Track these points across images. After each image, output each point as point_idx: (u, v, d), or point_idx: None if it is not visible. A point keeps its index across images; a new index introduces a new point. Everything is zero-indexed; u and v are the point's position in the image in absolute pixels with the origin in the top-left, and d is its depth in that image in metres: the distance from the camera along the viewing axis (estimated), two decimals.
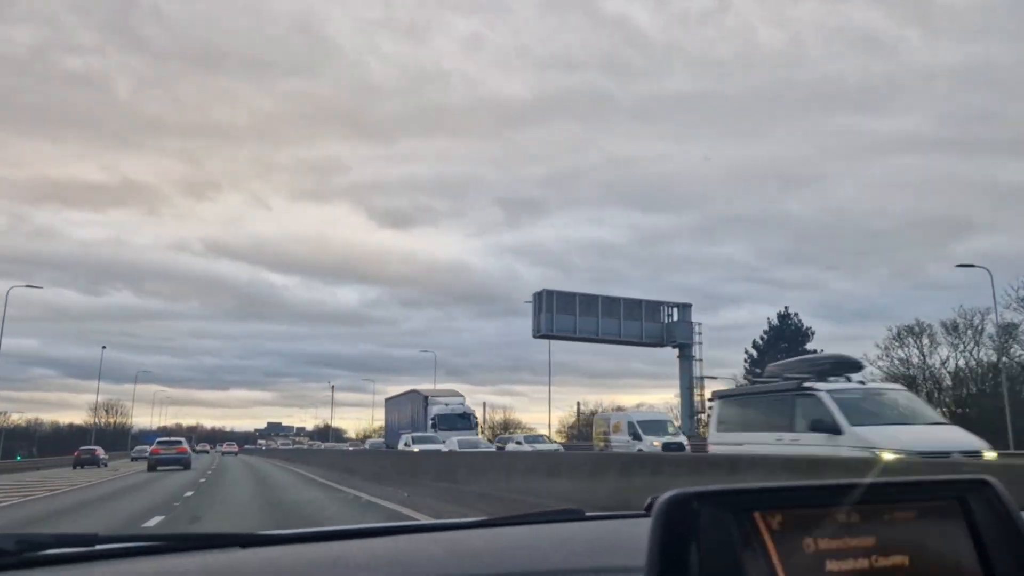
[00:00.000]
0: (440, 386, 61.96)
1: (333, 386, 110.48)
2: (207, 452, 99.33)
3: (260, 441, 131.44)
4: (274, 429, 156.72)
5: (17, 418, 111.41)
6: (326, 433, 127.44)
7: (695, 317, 50.49)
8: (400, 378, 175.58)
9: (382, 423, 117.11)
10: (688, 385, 48.84)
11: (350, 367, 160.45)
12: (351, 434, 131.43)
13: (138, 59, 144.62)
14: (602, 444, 34.06)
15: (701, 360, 50.03)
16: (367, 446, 60.18)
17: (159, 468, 37.73)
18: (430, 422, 44.51)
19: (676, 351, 49.95)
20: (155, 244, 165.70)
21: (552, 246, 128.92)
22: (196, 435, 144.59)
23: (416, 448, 34.12)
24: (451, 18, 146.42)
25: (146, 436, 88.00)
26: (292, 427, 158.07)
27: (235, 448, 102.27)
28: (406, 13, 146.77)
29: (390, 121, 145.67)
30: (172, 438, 46.32)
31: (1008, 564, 0.93)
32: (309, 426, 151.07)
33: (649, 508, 0.88)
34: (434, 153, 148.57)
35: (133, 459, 62.97)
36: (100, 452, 54.56)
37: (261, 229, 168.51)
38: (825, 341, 78.68)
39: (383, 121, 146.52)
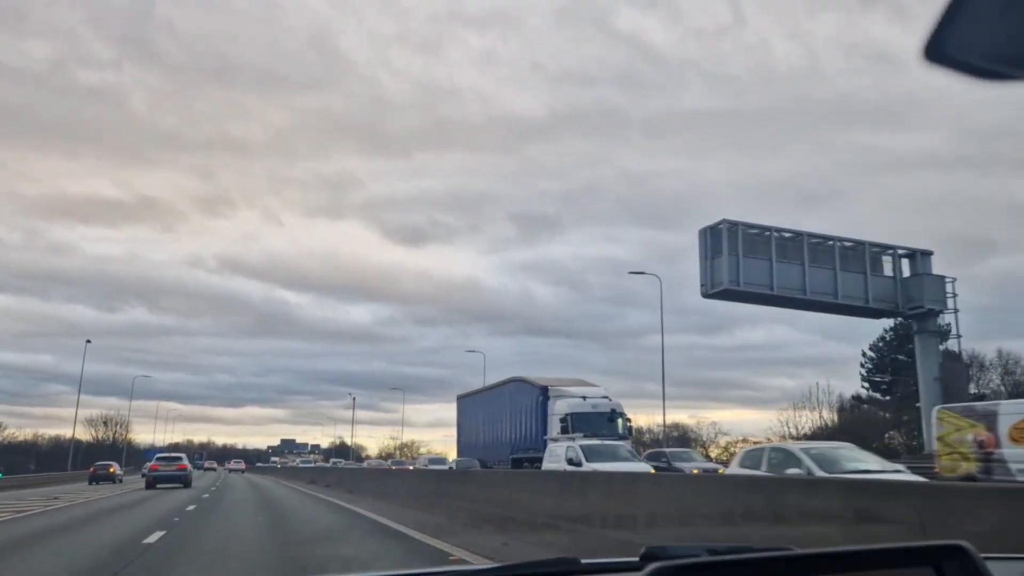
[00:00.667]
0: (453, 405, 48.97)
1: (355, 398, 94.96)
2: (214, 469, 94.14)
3: (275, 459, 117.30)
4: (288, 446, 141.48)
5: (15, 432, 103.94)
6: (343, 451, 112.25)
7: None
8: (414, 396, 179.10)
9: (403, 440, 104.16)
10: (938, 374, 31.56)
11: (363, 385, 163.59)
12: (371, 452, 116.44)
13: (153, 73, 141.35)
14: (969, 466, 17.14)
15: (960, 336, 32.90)
16: (424, 464, 43.26)
17: (159, 486, 36.13)
18: (557, 425, 27.87)
19: (913, 323, 32.95)
20: (170, 260, 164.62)
21: (567, 263, 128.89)
22: (208, 452, 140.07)
23: (600, 467, 17.26)
24: (464, 33, 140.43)
25: (154, 452, 79.31)
26: (306, 444, 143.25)
27: (242, 466, 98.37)
28: (419, 27, 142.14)
29: (404, 136, 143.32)
30: (172, 454, 44.04)
31: None
32: (324, 443, 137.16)
33: (644, 557, 0.92)
34: (448, 169, 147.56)
35: (144, 475, 58.94)
36: (116, 468, 54.78)
37: (275, 246, 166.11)
38: (849, 362, 75.79)
39: (397, 136, 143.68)
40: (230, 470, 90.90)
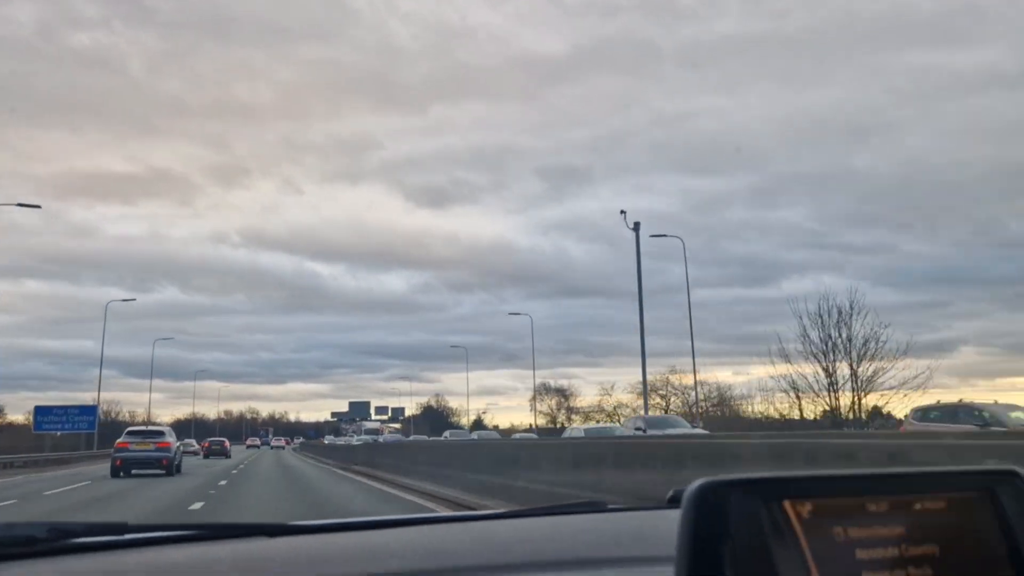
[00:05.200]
0: (495, 372, 31.09)
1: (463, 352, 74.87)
2: (256, 447, 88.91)
3: (371, 426, 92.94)
4: (358, 411, 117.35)
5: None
6: (433, 417, 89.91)
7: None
8: (457, 365, 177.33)
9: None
10: None
11: (403, 356, 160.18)
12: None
13: (147, 33, 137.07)
14: None
15: None
16: None
17: (134, 472, 27.52)
18: None
19: None
20: (193, 237, 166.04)
21: (599, 220, 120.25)
22: (256, 427, 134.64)
23: None
24: None
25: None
26: (386, 407, 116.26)
27: (283, 442, 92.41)
28: None
29: (419, 87, 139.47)
30: (150, 427, 35.15)
31: None
32: (410, 408, 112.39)
33: (671, 500, 0.90)
34: (467, 121, 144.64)
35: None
36: (227, 443, 61.00)
37: (297, 216, 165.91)
38: (897, 311, 77.91)
39: (411, 87, 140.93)
40: (272, 447, 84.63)
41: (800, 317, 39.26)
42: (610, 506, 1.83)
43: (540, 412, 76.45)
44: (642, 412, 34.91)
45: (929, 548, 0.92)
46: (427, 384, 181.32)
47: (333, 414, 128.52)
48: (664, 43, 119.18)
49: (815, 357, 40.08)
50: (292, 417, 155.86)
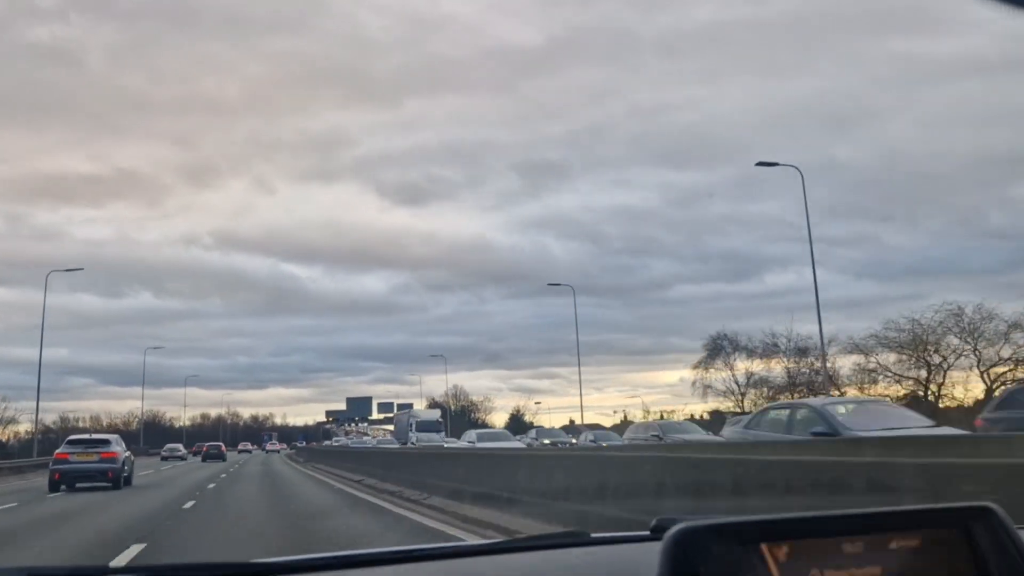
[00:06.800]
0: (477, 373, 31.23)
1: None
2: (248, 452, 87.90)
3: (431, 418, 72.23)
4: (358, 410, 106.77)
5: None
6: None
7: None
8: (439, 367, 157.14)
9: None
10: None
11: (385, 358, 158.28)
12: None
13: (106, 25, 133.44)
14: None
15: None
16: None
17: (77, 486, 25.30)
18: None
19: None
20: (164, 240, 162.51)
21: (579, 216, 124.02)
22: (238, 432, 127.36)
23: None
24: None
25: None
26: (391, 403, 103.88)
27: (277, 447, 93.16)
28: None
29: (391, 80, 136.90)
30: (93, 436, 31.57)
31: None
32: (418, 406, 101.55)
33: (655, 530, 0.93)
34: (442, 115, 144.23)
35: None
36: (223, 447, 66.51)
37: (270, 217, 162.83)
38: (879, 303, 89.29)
39: (384, 80, 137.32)
40: (267, 451, 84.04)
41: None
42: (593, 536, 1.81)
43: (709, 389, 55.47)
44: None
45: None
46: (409, 387, 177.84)
47: (328, 413, 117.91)
48: (642, 32, 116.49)
49: None
50: (278, 420, 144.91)
